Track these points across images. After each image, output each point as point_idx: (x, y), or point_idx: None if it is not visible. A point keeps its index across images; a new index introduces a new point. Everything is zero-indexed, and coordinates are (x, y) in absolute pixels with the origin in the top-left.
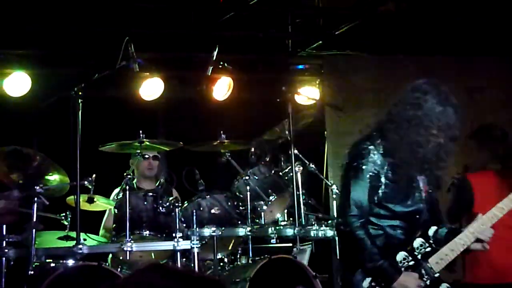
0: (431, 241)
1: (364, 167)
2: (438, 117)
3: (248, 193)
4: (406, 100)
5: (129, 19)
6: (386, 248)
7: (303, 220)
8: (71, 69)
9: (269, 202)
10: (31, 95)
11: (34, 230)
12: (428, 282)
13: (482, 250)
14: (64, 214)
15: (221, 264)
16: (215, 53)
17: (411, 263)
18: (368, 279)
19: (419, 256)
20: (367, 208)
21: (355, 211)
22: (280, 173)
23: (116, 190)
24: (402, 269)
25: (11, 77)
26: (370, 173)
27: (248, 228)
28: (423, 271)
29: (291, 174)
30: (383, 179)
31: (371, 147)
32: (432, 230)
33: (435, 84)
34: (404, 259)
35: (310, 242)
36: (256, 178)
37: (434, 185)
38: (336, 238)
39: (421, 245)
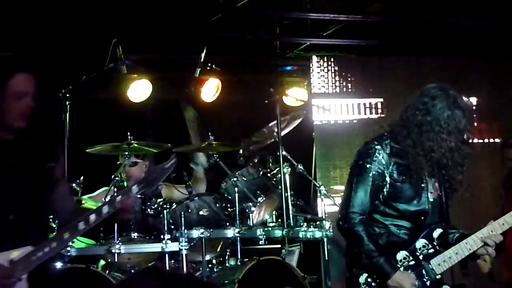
0: (435, 243)
1: (368, 166)
2: (447, 121)
3: (237, 194)
4: (415, 105)
5: (117, 21)
6: (388, 246)
7: (292, 222)
8: (59, 71)
9: (258, 204)
10: None
11: None
12: (428, 283)
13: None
14: (51, 216)
15: (210, 265)
16: (203, 54)
17: (412, 263)
18: (364, 275)
19: (420, 257)
20: (369, 206)
21: (355, 208)
22: (269, 175)
23: (102, 189)
24: (401, 268)
25: None
26: (374, 172)
27: (237, 230)
28: (423, 272)
29: (280, 175)
30: (387, 179)
31: (378, 146)
32: (437, 232)
33: (443, 89)
34: (405, 258)
35: (299, 244)
36: (245, 179)
37: (449, 188)
38: (325, 239)
39: (424, 246)
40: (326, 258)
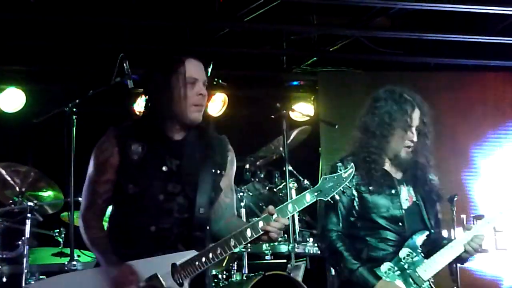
0: (419, 250)
1: None
2: (395, 116)
3: (243, 209)
4: (369, 112)
5: (124, 36)
6: (371, 260)
7: (298, 237)
8: (66, 85)
9: None
10: (25, 110)
11: (27, 247)
12: None
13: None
14: (58, 230)
15: (216, 280)
16: (210, 69)
17: (397, 273)
18: None
19: (405, 266)
20: (343, 223)
21: (331, 225)
22: (275, 190)
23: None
24: (387, 279)
25: (6, 93)
26: (341, 189)
27: (243, 245)
28: (410, 280)
29: (286, 190)
30: (354, 192)
31: (339, 163)
32: (420, 240)
33: (391, 90)
34: (389, 269)
35: (305, 258)
36: (251, 194)
37: (422, 194)
38: None
39: (408, 255)
40: (332, 273)
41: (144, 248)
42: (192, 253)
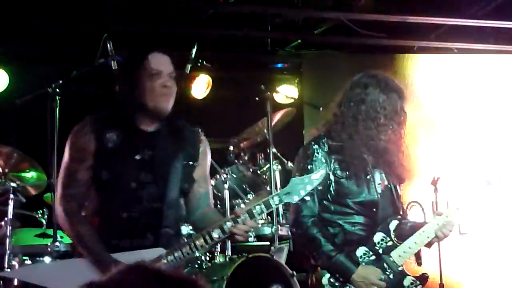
0: (392, 235)
1: (309, 167)
2: (383, 105)
3: (226, 191)
4: (349, 98)
5: (108, 16)
6: (346, 245)
7: (281, 219)
8: (49, 66)
9: (247, 201)
10: (8, 91)
11: (10, 228)
12: (391, 276)
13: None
14: (41, 211)
15: (199, 262)
16: (194, 51)
17: (372, 257)
18: (327, 275)
19: (380, 251)
20: (318, 207)
21: (305, 211)
22: (259, 172)
23: None
24: (363, 263)
25: None
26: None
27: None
28: (385, 265)
29: (269, 172)
30: (331, 176)
31: (315, 146)
32: (393, 224)
33: (372, 75)
34: (365, 254)
35: (288, 241)
36: (234, 176)
37: (394, 178)
38: None
39: (382, 240)
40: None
41: (114, 234)
42: (160, 251)
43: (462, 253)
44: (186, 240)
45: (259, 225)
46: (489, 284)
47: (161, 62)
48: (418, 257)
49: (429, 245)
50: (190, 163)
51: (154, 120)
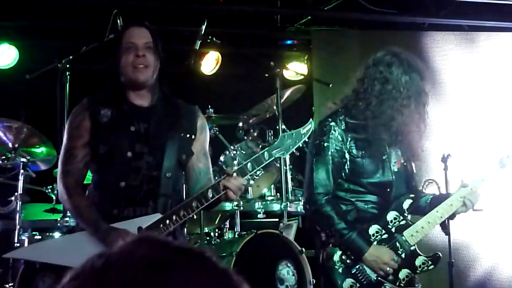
0: (406, 214)
1: (326, 144)
2: (405, 86)
3: (236, 167)
4: (371, 76)
5: None
6: (358, 222)
7: (290, 195)
8: (58, 42)
9: (256, 177)
10: (17, 66)
11: (20, 202)
12: (403, 255)
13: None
14: (50, 186)
15: (208, 238)
16: (203, 27)
17: (385, 236)
18: (338, 253)
19: (392, 229)
20: (333, 185)
21: (320, 188)
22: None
23: None
24: (375, 242)
25: None
26: (332, 150)
27: (235, 203)
28: (397, 244)
29: None
30: (347, 155)
31: (332, 123)
32: (407, 203)
33: (395, 54)
34: (377, 232)
35: (297, 218)
36: (243, 152)
37: (410, 156)
38: None
39: (395, 218)
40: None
41: (114, 204)
42: (157, 216)
43: (475, 230)
44: (183, 204)
45: (268, 202)
46: (502, 262)
47: (134, 35)
48: (444, 226)
49: (453, 216)
50: (188, 135)
51: (137, 91)
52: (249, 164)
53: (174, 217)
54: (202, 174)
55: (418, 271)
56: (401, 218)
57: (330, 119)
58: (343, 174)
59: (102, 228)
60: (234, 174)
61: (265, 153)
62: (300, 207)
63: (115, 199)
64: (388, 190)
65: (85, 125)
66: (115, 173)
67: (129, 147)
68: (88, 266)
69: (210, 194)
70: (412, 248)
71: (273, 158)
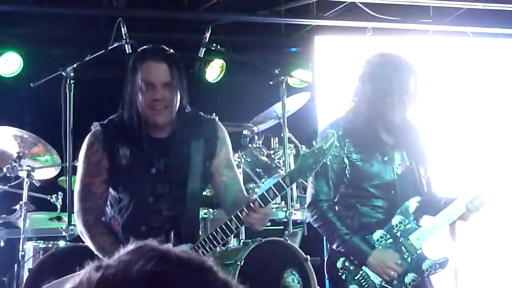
0: (412, 218)
1: None
2: (397, 85)
3: (240, 175)
4: (363, 79)
5: (122, 0)
6: (362, 228)
7: (295, 203)
8: (62, 50)
9: (261, 184)
10: (23, 75)
11: (25, 211)
12: (409, 260)
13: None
14: (55, 195)
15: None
16: (208, 34)
17: (390, 241)
18: (342, 259)
19: (398, 234)
20: (334, 192)
21: (321, 195)
22: (272, 156)
23: None
24: (380, 247)
25: (2, 57)
26: (330, 157)
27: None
28: (403, 248)
29: (284, 157)
30: (346, 160)
31: (330, 130)
32: (413, 206)
33: (385, 54)
34: (382, 237)
35: (302, 225)
36: (248, 160)
37: (417, 158)
38: None
39: (400, 222)
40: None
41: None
42: (185, 247)
43: (479, 235)
44: (208, 236)
45: (274, 210)
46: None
47: (152, 73)
48: (452, 232)
49: (464, 218)
50: (207, 163)
51: (166, 126)
52: (270, 192)
53: (200, 251)
54: (229, 186)
55: (425, 275)
56: (407, 221)
57: (328, 126)
58: (344, 179)
59: None
60: (256, 204)
61: (286, 178)
62: (305, 215)
63: (137, 239)
64: (393, 192)
65: (103, 164)
66: (135, 217)
67: (150, 191)
68: (85, 280)
69: (233, 226)
70: (418, 251)
71: (294, 182)
